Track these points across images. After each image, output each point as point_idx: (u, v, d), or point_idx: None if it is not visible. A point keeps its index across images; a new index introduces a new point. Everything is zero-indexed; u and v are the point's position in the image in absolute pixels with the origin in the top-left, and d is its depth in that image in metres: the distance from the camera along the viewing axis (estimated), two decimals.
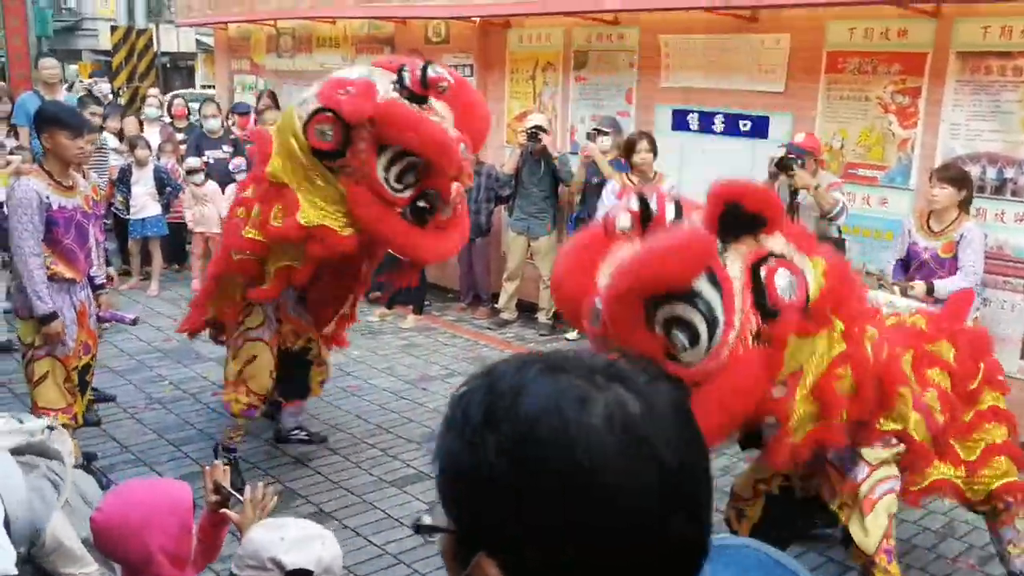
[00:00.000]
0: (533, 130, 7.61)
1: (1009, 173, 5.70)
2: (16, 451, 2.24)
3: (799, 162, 5.89)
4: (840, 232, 6.09)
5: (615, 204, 2.86)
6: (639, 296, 2.56)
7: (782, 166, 5.91)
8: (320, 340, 5.26)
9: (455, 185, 4.24)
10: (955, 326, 3.76)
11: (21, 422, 2.39)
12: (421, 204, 4.23)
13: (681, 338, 2.58)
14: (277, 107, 10.72)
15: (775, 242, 2.81)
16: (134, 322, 5.87)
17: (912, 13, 5.92)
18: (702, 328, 2.57)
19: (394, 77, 4.15)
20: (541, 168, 7.79)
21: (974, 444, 3.65)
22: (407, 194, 4.18)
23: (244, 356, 4.81)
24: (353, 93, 4.02)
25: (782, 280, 2.66)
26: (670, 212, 2.74)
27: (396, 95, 4.07)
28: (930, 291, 5.30)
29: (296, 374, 5.25)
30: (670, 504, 0.86)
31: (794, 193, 6.03)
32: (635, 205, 2.74)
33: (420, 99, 4.11)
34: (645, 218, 2.73)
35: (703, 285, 2.56)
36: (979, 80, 5.76)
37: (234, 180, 9.03)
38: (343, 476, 5.28)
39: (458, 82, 4.31)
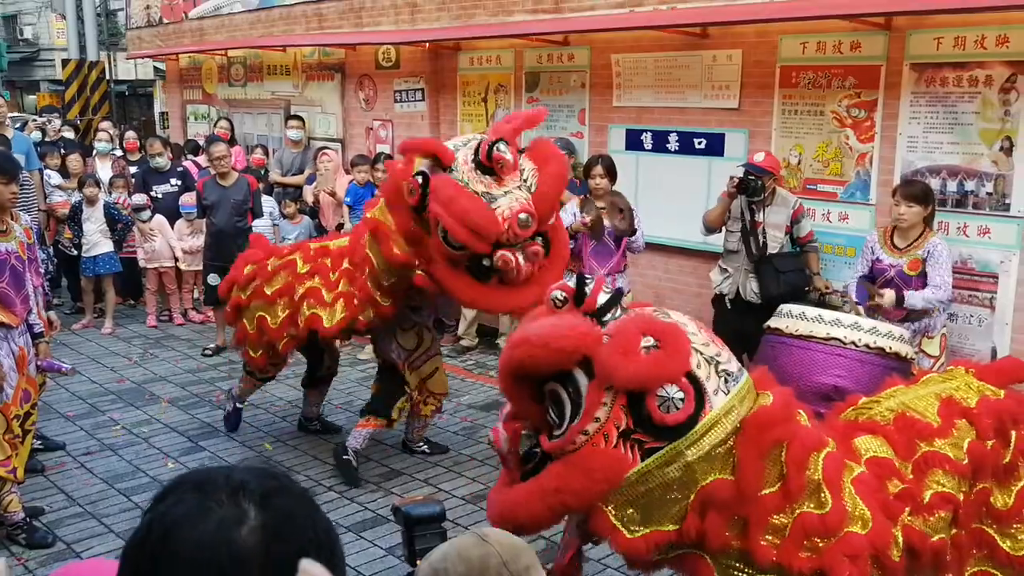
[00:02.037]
0: None
1: (970, 185, 5.61)
2: None
3: (759, 182, 5.83)
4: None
5: (555, 284, 2.96)
6: (516, 374, 2.75)
7: (742, 188, 5.84)
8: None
9: (503, 255, 4.63)
10: (980, 407, 3.25)
11: None
12: (487, 263, 4.68)
13: (553, 413, 2.75)
14: (233, 135, 10.61)
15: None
16: (70, 372, 5.68)
17: (864, 26, 5.85)
18: (568, 409, 2.71)
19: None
20: None
21: (1019, 532, 3.15)
22: (462, 251, 4.64)
23: (426, 371, 5.66)
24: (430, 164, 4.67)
25: (664, 391, 2.67)
26: (602, 297, 2.84)
27: (472, 164, 4.60)
28: (900, 302, 5.21)
29: (391, 388, 5.73)
30: None
31: (753, 212, 5.95)
32: (571, 283, 2.86)
33: (489, 170, 4.58)
34: (579, 297, 2.82)
35: (578, 371, 2.68)
36: (935, 92, 5.68)
37: (181, 215, 8.92)
38: None
39: (543, 151, 4.80)
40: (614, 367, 2.61)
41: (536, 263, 4.79)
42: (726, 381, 2.78)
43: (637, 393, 2.65)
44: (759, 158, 5.95)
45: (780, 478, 2.77)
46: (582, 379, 2.68)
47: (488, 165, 4.59)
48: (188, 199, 8.78)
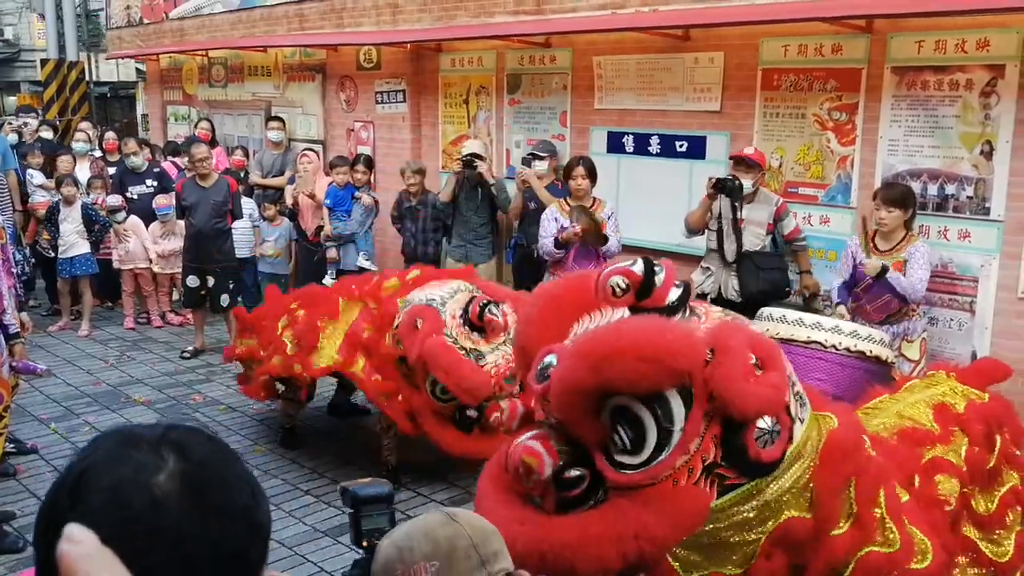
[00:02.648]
0: (469, 157, 7.41)
1: (950, 189, 5.60)
2: None
3: (736, 182, 5.83)
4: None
5: (614, 266, 2.38)
6: (597, 391, 2.20)
7: (720, 188, 5.83)
8: None
9: (497, 411, 4.77)
10: (968, 412, 3.15)
11: None
12: (470, 412, 4.95)
13: (625, 437, 2.22)
14: (214, 137, 10.55)
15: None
16: (46, 373, 5.61)
17: (845, 29, 5.83)
18: (651, 435, 2.20)
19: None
20: (478, 195, 7.60)
21: (1002, 539, 3.06)
22: (449, 405, 4.96)
23: None
24: (420, 327, 4.82)
25: (763, 423, 2.25)
26: (673, 293, 2.32)
27: (460, 320, 4.88)
28: (884, 272, 5.28)
29: None
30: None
31: (735, 209, 5.94)
32: (639, 270, 2.30)
33: (477, 328, 4.87)
34: (645, 288, 2.30)
35: (672, 392, 2.19)
36: (916, 95, 5.67)
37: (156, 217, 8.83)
38: (274, 527, 4.97)
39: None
40: (735, 395, 2.16)
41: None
42: (801, 406, 2.43)
43: (735, 423, 2.24)
44: (749, 151, 5.99)
45: (848, 516, 2.46)
46: (676, 402, 2.19)
47: (478, 324, 4.87)
48: (162, 200, 8.69)
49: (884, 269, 5.26)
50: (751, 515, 2.33)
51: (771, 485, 2.32)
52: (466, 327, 4.87)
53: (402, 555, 1.55)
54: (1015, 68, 5.26)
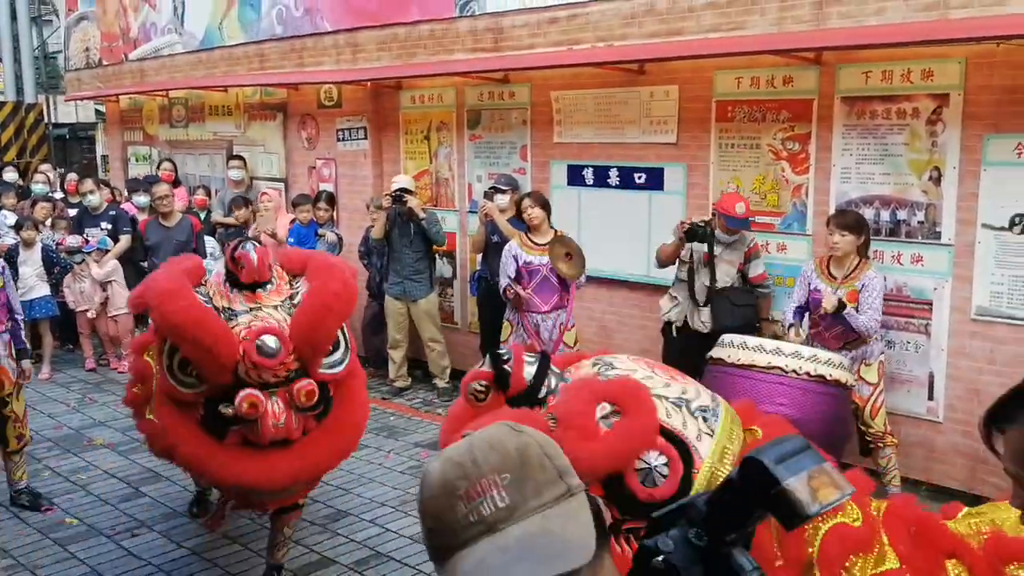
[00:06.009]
0: (398, 193, 7.43)
1: (902, 215, 5.73)
2: None
3: (707, 229, 5.90)
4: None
5: (470, 373, 2.50)
6: None
7: (691, 235, 5.92)
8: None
9: (250, 395, 3.49)
10: None
11: None
12: (225, 410, 3.54)
13: None
14: (177, 177, 10.54)
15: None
16: None
17: (795, 61, 5.97)
18: None
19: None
20: (411, 230, 7.62)
21: None
22: (191, 391, 3.61)
23: None
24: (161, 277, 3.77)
25: (641, 461, 2.24)
26: (528, 370, 2.39)
27: (223, 277, 3.75)
28: (841, 308, 5.32)
29: None
30: None
31: (711, 247, 6.00)
32: (487, 367, 2.38)
33: (242, 285, 3.71)
34: (501, 379, 2.38)
35: None
36: (865, 124, 5.81)
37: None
38: (241, 568, 4.97)
39: (318, 264, 3.95)
40: (575, 461, 2.12)
41: (301, 420, 3.62)
42: (705, 420, 2.37)
43: (611, 477, 2.20)
44: (740, 209, 5.91)
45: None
46: None
47: (234, 270, 3.69)
48: (97, 236, 8.68)
49: (842, 305, 5.33)
50: None
51: None
52: (227, 284, 3.70)
53: (464, 470, 1.25)
54: (958, 96, 5.41)
